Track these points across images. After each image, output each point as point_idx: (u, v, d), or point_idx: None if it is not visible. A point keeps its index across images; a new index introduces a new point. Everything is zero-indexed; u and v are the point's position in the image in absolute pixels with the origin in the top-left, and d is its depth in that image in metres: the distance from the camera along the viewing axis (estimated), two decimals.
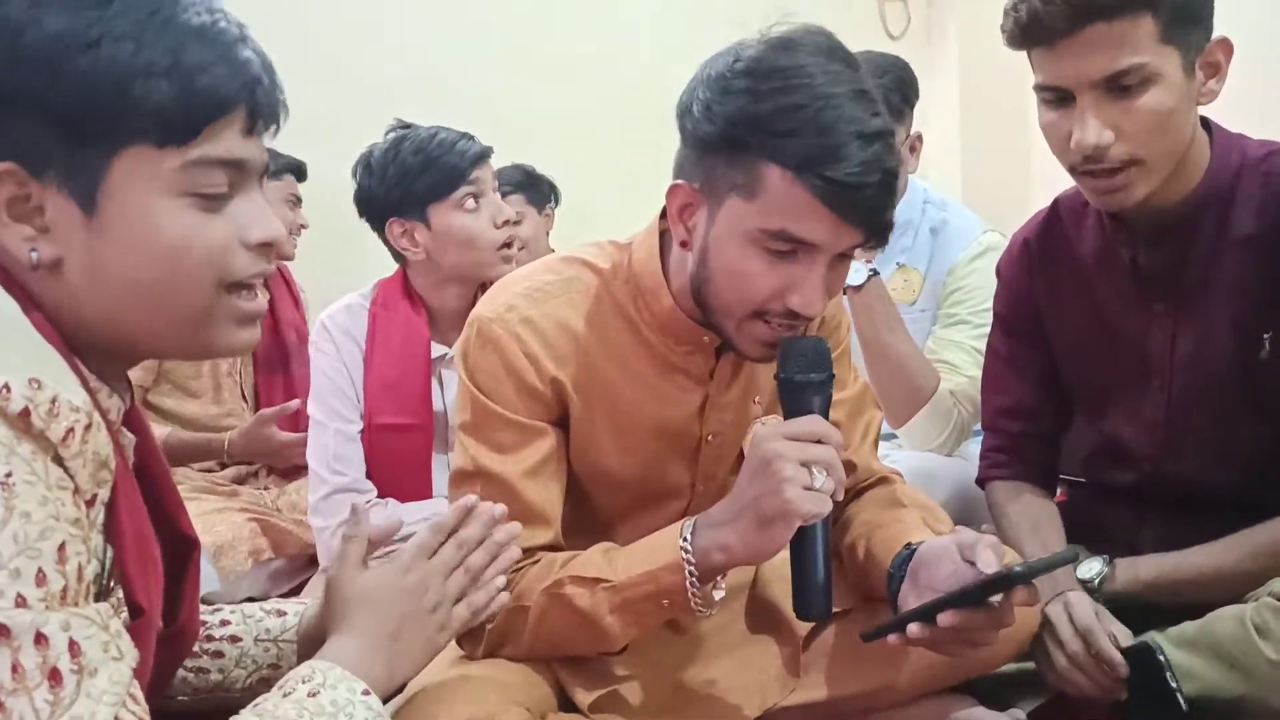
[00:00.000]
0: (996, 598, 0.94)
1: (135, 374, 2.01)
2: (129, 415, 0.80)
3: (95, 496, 0.69)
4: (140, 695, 0.67)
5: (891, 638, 0.99)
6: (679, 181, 1.05)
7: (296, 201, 2.35)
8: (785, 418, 1.01)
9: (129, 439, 0.79)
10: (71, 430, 0.64)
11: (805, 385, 1.00)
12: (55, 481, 0.64)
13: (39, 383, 0.63)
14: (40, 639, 0.61)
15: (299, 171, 2.35)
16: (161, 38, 0.70)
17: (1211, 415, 1.27)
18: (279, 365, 2.32)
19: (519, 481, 1.09)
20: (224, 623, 1.00)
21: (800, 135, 0.93)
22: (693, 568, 1.00)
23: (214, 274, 0.75)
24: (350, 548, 0.94)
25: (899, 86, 1.73)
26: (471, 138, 1.78)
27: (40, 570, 0.62)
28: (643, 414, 1.14)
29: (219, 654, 0.98)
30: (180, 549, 0.85)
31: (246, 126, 0.75)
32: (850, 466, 1.24)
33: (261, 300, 0.80)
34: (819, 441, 0.96)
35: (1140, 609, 1.24)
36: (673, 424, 1.15)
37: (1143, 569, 1.26)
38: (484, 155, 1.77)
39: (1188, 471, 1.30)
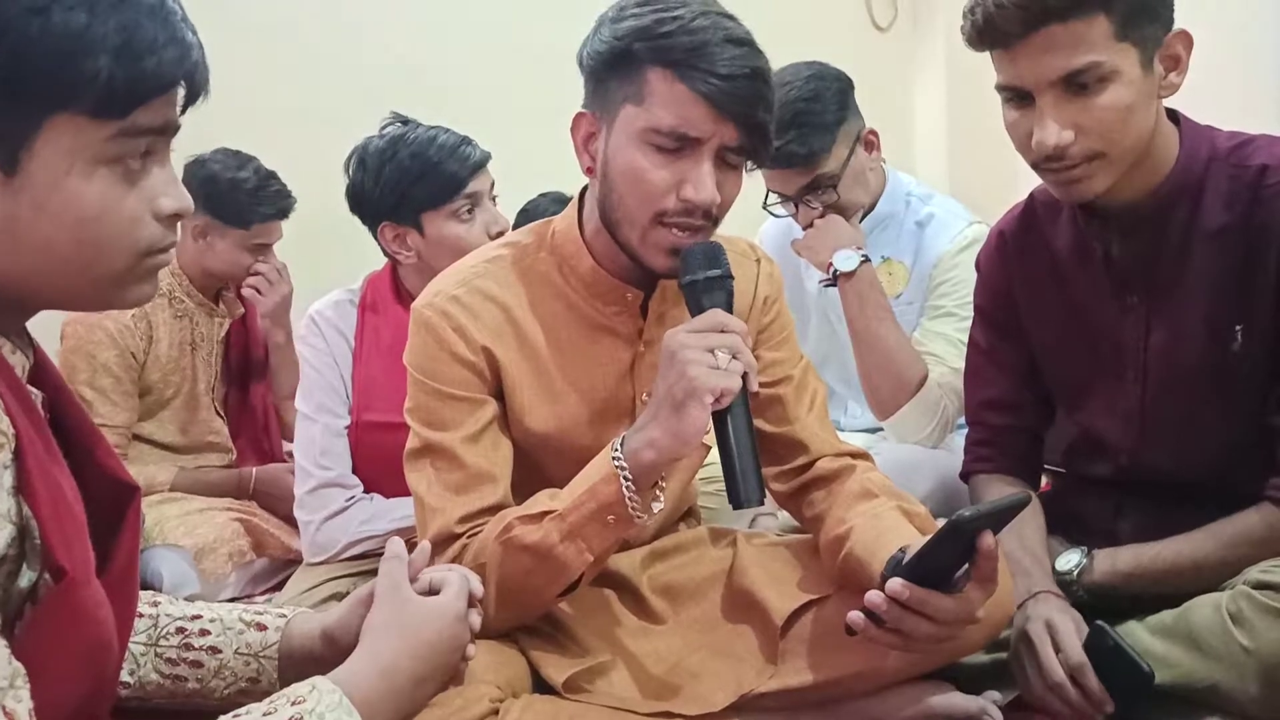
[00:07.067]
0: (962, 570, 0.99)
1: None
2: (35, 369, 0.77)
3: None
4: (6, 658, 0.65)
5: (854, 619, 1.02)
6: (581, 111, 1.15)
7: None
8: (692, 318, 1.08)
9: (37, 395, 0.76)
10: None
11: (704, 283, 1.08)
12: None
13: None
14: None
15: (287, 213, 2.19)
16: (115, 13, 0.69)
17: (1186, 407, 1.27)
18: (250, 380, 2.31)
19: (461, 447, 1.15)
20: (203, 632, 0.99)
21: (677, 37, 1.05)
22: (627, 473, 1.05)
23: (129, 244, 0.74)
24: (395, 567, 0.92)
25: (837, 98, 1.74)
26: (471, 143, 1.73)
27: None
28: (575, 377, 1.20)
29: (198, 664, 0.97)
30: (119, 496, 0.81)
31: (180, 102, 0.75)
32: (801, 446, 1.28)
33: (170, 255, 0.78)
34: (723, 331, 1.04)
35: (1119, 599, 1.25)
36: (605, 386, 1.21)
37: (1121, 560, 1.26)
38: (483, 163, 1.73)
39: (1164, 462, 1.31)
